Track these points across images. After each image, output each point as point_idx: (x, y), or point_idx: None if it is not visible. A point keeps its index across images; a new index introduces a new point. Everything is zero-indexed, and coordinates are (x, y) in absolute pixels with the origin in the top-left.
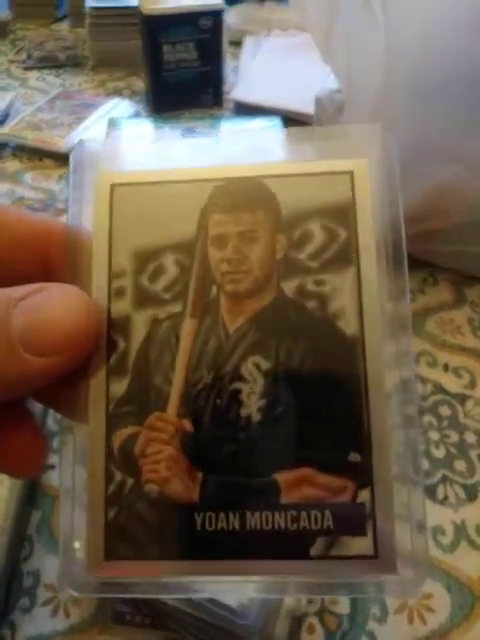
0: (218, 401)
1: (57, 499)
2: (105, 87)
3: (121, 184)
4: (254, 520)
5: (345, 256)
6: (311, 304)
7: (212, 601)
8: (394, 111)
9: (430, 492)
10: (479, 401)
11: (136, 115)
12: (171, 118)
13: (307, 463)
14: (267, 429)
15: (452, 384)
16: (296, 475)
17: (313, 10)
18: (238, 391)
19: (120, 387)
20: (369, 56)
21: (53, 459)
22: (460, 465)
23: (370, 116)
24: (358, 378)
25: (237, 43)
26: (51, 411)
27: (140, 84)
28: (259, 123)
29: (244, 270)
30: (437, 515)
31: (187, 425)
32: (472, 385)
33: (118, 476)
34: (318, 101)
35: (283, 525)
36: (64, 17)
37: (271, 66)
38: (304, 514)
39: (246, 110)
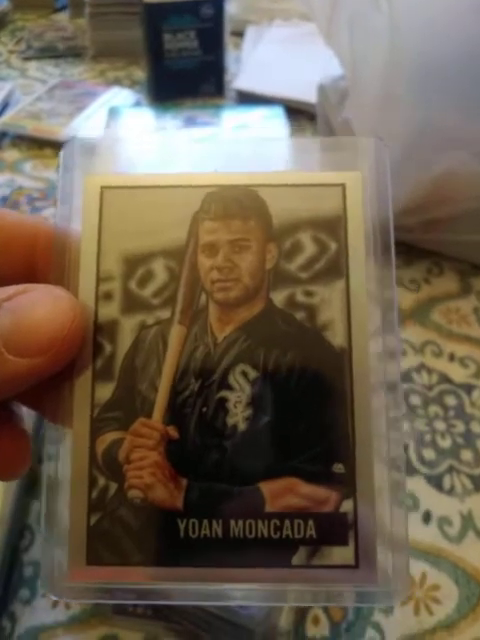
0: (204, 409)
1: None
2: (105, 77)
3: (112, 187)
4: (238, 528)
5: (335, 268)
6: (300, 315)
7: None
8: (398, 96)
9: (436, 482)
10: None
11: (137, 104)
12: (172, 107)
13: (292, 473)
14: (253, 438)
15: (458, 374)
16: (281, 485)
17: None
18: (225, 399)
19: (105, 392)
20: (373, 40)
21: None
22: (466, 455)
23: (374, 102)
24: (344, 390)
25: (239, 33)
26: None
27: (140, 74)
28: (261, 112)
29: (234, 278)
30: (444, 505)
31: (172, 432)
32: (478, 375)
33: (101, 481)
34: (321, 89)
35: (266, 533)
36: (64, 8)
37: (273, 55)
38: (287, 523)
39: (248, 99)
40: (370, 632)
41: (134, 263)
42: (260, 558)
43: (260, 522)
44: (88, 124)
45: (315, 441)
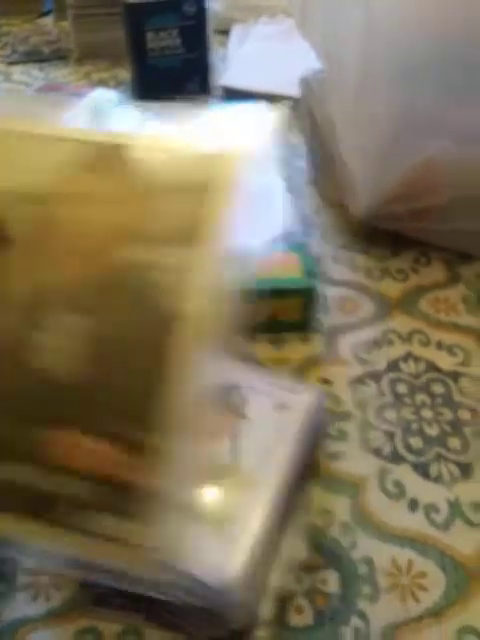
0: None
1: None
2: (90, 79)
3: None
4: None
5: (193, 235)
6: (146, 274)
7: (196, 581)
8: (377, 85)
9: (423, 470)
10: (474, 378)
11: (120, 105)
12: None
13: (91, 431)
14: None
15: (445, 362)
16: (72, 440)
17: None
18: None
19: None
20: (348, 29)
21: None
22: (454, 443)
23: (353, 91)
24: (166, 358)
25: (225, 31)
26: None
27: (125, 74)
28: (246, 107)
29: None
30: (431, 493)
31: None
32: (466, 363)
33: None
34: (303, 82)
35: (39, 484)
36: (49, 12)
37: (259, 52)
38: (65, 478)
39: (234, 96)
40: (354, 620)
41: None
42: (26, 506)
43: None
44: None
45: (123, 405)
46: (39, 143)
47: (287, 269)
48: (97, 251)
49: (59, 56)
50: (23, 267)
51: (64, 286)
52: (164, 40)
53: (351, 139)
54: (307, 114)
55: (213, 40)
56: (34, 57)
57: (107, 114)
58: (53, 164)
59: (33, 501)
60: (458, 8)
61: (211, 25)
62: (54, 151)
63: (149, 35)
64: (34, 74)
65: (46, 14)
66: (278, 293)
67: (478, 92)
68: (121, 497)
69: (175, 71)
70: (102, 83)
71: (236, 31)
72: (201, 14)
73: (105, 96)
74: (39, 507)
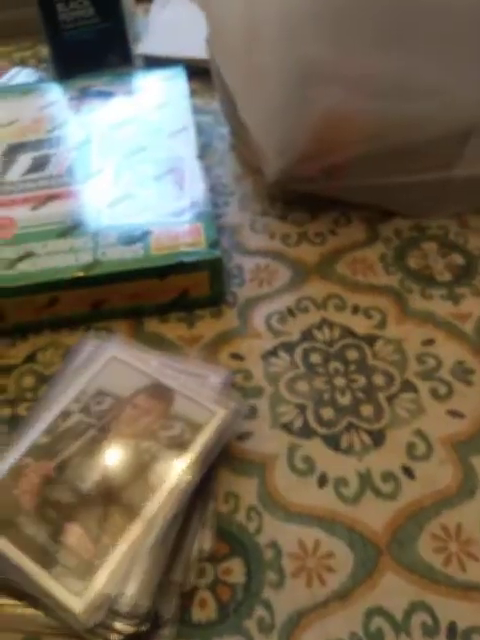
0: None
1: None
2: (11, 58)
3: None
4: None
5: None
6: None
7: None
8: (263, 33)
9: (334, 442)
10: (389, 340)
11: (38, 82)
12: (76, 81)
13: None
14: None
15: (361, 326)
16: None
17: None
18: None
19: None
20: None
21: None
22: (367, 410)
23: (240, 46)
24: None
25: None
26: None
27: (46, 51)
28: (162, 74)
29: None
30: (341, 466)
31: None
32: (382, 325)
33: None
34: (208, 42)
35: None
36: None
37: (180, 17)
38: None
39: (155, 64)
40: (259, 610)
41: None
42: None
43: None
44: None
45: None
46: None
47: (191, 242)
48: None
49: None
50: None
51: None
52: (75, 11)
53: (246, 96)
54: (217, 75)
55: (134, 8)
56: None
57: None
58: None
59: None
60: None
61: None
62: None
63: (59, 6)
64: None
65: None
66: (183, 267)
67: (368, 39)
68: None
69: (92, 43)
70: (23, 62)
71: None
72: None
73: (22, 75)
74: None
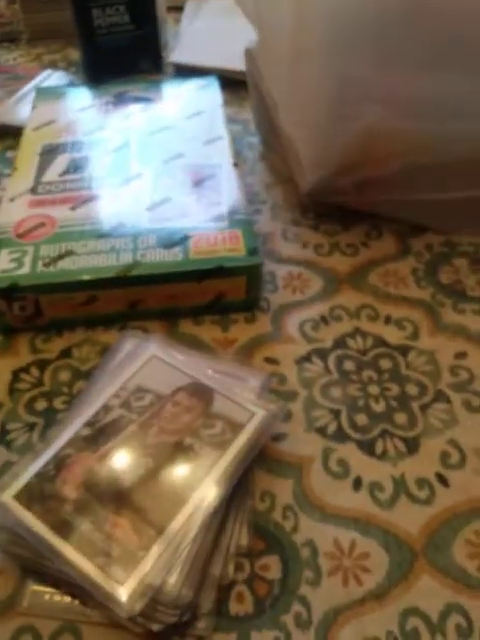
0: None
1: None
2: (40, 60)
3: None
4: None
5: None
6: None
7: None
8: (310, 52)
9: (368, 448)
10: (422, 352)
11: (70, 85)
12: (107, 86)
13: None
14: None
15: (394, 336)
16: None
17: None
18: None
19: None
20: None
21: None
22: (401, 418)
23: (286, 59)
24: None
25: (180, 8)
26: None
27: (77, 55)
28: (196, 83)
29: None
30: (375, 471)
31: None
32: (415, 336)
33: None
34: (248, 54)
35: None
36: None
37: (212, 27)
38: None
39: (186, 73)
40: (296, 606)
41: None
42: None
43: None
44: (18, 107)
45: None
46: None
47: (230, 248)
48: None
49: (10, 38)
50: None
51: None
52: (111, 17)
53: (289, 110)
54: (253, 87)
55: (166, 16)
56: None
57: (60, 96)
58: None
59: None
60: None
61: (162, 1)
62: None
63: (95, 12)
64: None
65: None
66: (221, 272)
67: (413, 61)
68: None
69: (125, 49)
70: (53, 64)
71: (189, 7)
72: None
73: (54, 78)
74: None
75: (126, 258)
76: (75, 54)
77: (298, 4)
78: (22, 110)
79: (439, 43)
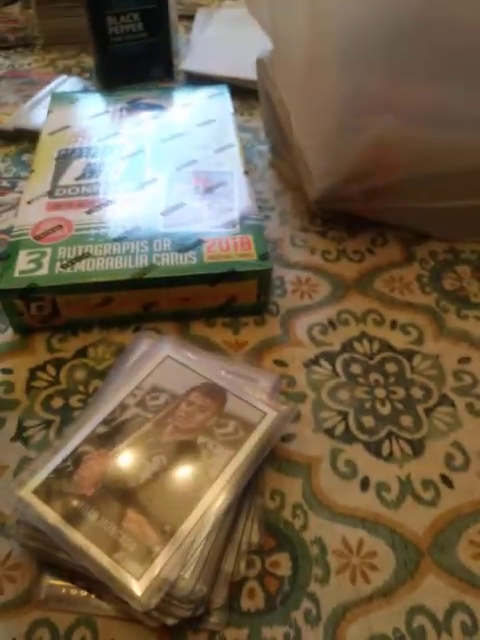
0: None
1: None
2: (54, 65)
3: None
4: None
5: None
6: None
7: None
8: (324, 63)
9: (375, 449)
10: (426, 356)
11: (84, 91)
12: (120, 92)
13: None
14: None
15: (399, 341)
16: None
17: None
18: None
19: None
20: (295, 7)
21: None
22: (406, 420)
23: (301, 70)
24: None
25: (191, 17)
26: None
27: (90, 61)
28: (208, 92)
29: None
30: (382, 471)
31: None
32: (420, 341)
33: None
34: (259, 63)
35: None
36: (15, 0)
37: (222, 36)
38: None
39: (197, 81)
40: (306, 603)
41: None
42: None
43: None
44: (33, 112)
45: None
46: None
47: (242, 252)
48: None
49: (25, 43)
50: None
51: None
52: (126, 25)
53: (301, 118)
54: (264, 96)
55: (177, 25)
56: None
57: (75, 102)
58: None
59: None
60: None
61: (174, 9)
62: None
63: (110, 20)
64: None
65: (12, 1)
66: (233, 276)
67: (424, 71)
68: None
69: (139, 57)
70: (67, 70)
71: (200, 16)
72: None
73: (68, 83)
74: None
75: (142, 261)
76: (89, 60)
77: (313, 16)
78: (37, 114)
79: (451, 53)
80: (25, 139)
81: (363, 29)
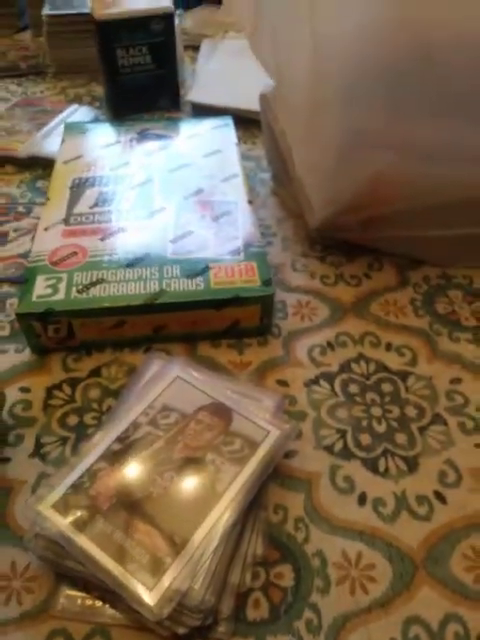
0: None
1: (11, 491)
2: (66, 94)
3: None
4: None
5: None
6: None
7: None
8: (325, 102)
9: (372, 465)
10: (420, 377)
11: (95, 120)
12: (129, 122)
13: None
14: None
15: (394, 362)
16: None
17: (241, 3)
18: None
19: None
20: (296, 49)
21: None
22: (401, 438)
23: (302, 108)
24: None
25: (196, 47)
26: (5, 405)
27: (100, 90)
28: (213, 123)
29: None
30: (379, 487)
31: None
32: (414, 362)
33: None
34: (262, 98)
35: None
36: (27, 27)
37: (226, 67)
38: None
39: (202, 111)
40: (308, 613)
41: None
42: None
43: None
44: (46, 140)
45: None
46: None
47: (246, 279)
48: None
49: (37, 71)
50: None
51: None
52: (134, 57)
53: (303, 154)
54: (267, 128)
55: (183, 56)
56: (11, 72)
57: (87, 131)
58: None
59: None
60: (402, 26)
61: (180, 42)
62: None
63: (119, 52)
64: (11, 89)
65: (24, 29)
66: (238, 301)
67: (422, 110)
68: None
69: (147, 88)
70: (78, 98)
71: (205, 47)
72: (169, 31)
73: (80, 112)
74: None
75: (153, 286)
76: (99, 89)
77: (315, 59)
78: (50, 143)
79: (451, 92)
80: (39, 166)
81: (363, 71)
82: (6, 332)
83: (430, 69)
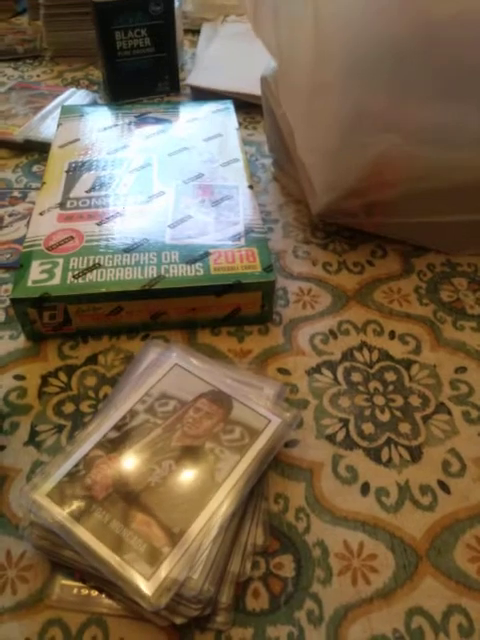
0: None
1: (6, 479)
2: (63, 78)
3: None
4: None
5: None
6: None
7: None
8: (328, 84)
9: (375, 455)
10: (424, 366)
11: (92, 104)
12: (128, 106)
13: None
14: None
15: (398, 350)
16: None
17: None
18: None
19: None
20: (298, 29)
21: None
22: (405, 428)
23: (305, 90)
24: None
25: (196, 31)
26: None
27: (98, 74)
28: (211, 107)
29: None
30: (382, 477)
31: None
32: (417, 351)
33: None
34: (263, 81)
35: None
36: (24, 11)
37: (226, 51)
38: None
39: (202, 95)
40: (308, 603)
41: None
42: None
43: None
44: (43, 124)
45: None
46: None
47: (247, 265)
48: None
49: (34, 55)
50: None
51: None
52: (133, 40)
53: (305, 137)
54: (268, 112)
55: (183, 39)
56: (8, 56)
57: (84, 115)
58: None
59: None
60: (405, 4)
61: (179, 25)
62: None
63: (117, 34)
64: (8, 73)
65: (21, 13)
66: (238, 287)
67: (426, 91)
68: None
69: (145, 71)
70: (75, 82)
71: (205, 31)
72: (168, 14)
73: (77, 96)
74: None
75: (151, 272)
76: (96, 73)
77: (317, 39)
78: (46, 127)
79: (453, 73)
80: (35, 150)
81: (366, 50)
82: (0, 318)
83: (433, 48)
